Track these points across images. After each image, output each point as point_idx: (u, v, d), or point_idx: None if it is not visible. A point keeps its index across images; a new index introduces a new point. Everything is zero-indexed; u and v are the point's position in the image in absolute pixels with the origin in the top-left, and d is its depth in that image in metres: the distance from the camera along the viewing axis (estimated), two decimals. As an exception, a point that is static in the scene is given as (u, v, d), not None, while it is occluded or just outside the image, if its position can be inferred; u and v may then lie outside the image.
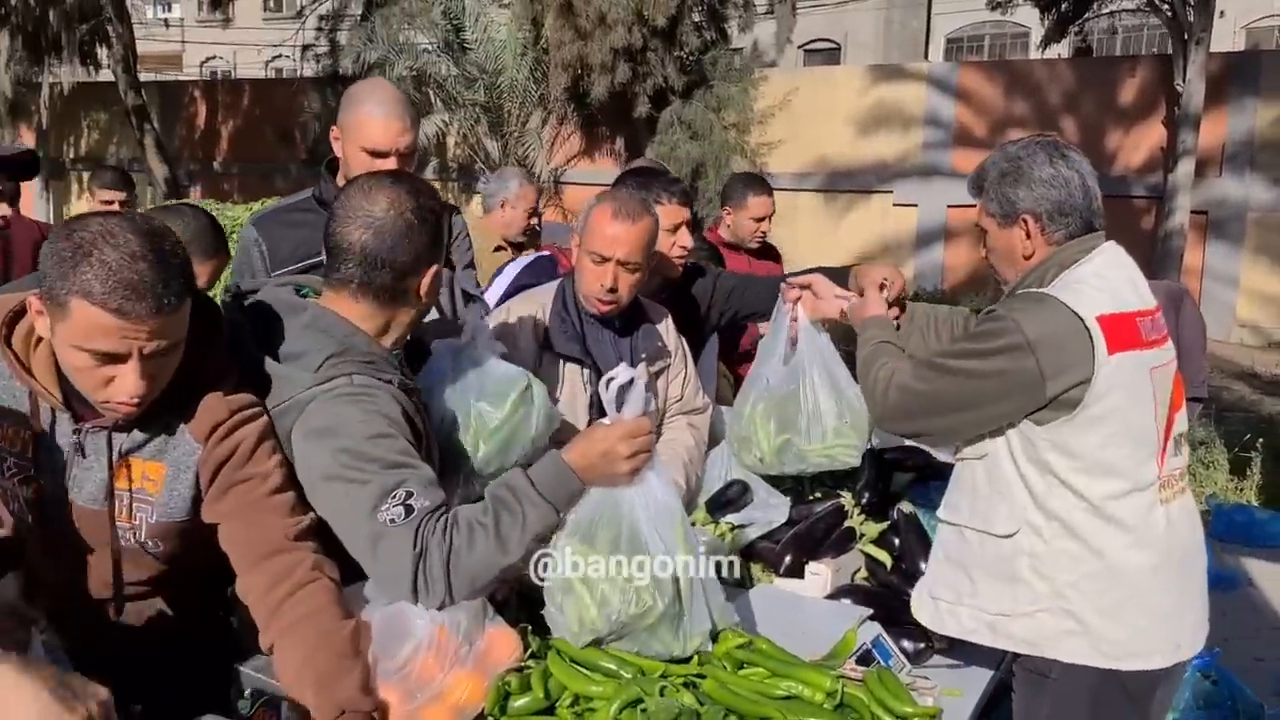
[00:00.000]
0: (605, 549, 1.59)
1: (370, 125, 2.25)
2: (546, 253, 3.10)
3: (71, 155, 19.17)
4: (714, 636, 1.71)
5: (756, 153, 14.44)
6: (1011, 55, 22.84)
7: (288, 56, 18.95)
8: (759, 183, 4.24)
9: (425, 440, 1.70)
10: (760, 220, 4.18)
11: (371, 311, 1.66)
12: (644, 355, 2.29)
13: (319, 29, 16.26)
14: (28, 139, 18.58)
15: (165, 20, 32.65)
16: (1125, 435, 1.87)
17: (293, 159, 16.44)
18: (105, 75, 17.43)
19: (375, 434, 1.54)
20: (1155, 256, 12.09)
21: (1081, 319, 1.81)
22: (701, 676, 1.53)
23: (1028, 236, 1.95)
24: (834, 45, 26.11)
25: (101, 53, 17.21)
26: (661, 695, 1.43)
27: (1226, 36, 20.25)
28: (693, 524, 2.30)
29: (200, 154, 18.26)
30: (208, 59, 33.68)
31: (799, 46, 26.72)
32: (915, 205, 14.02)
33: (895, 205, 14.13)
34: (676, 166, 13.49)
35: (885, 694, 1.51)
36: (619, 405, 1.68)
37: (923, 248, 14.07)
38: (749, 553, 2.26)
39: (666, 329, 2.40)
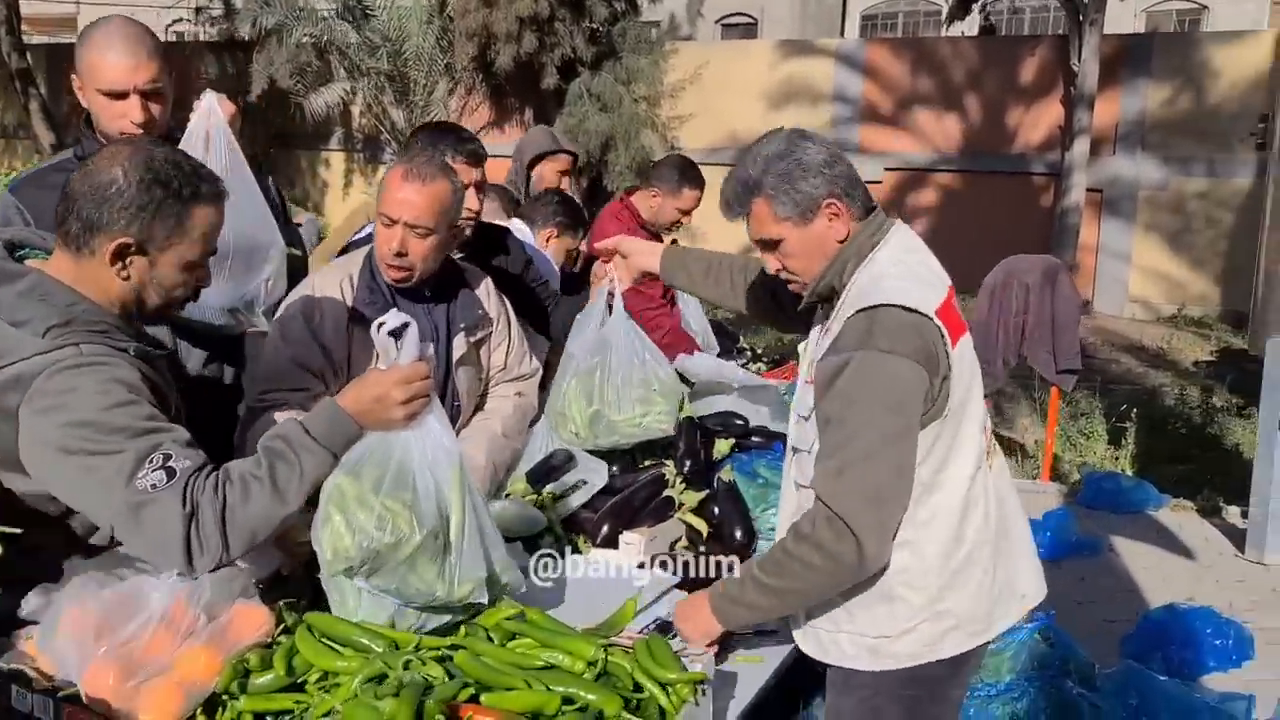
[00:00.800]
0: (370, 485, 1.55)
1: (101, 65, 2.08)
2: None
3: (-45, 121, 18.28)
4: (501, 592, 1.69)
5: (667, 126, 14.38)
6: (924, 33, 23.10)
7: (188, 20, 18.24)
8: (695, 176, 4.01)
9: (174, 405, 1.61)
10: (686, 213, 4.03)
11: (76, 270, 1.56)
12: (462, 326, 2.21)
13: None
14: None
15: (59, -19, 31.33)
16: (974, 420, 1.85)
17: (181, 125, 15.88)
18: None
19: (115, 403, 1.46)
20: (1053, 233, 12.37)
21: (929, 317, 1.75)
22: (458, 648, 1.48)
23: (836, 218, 1.83)
24: (750, 20, 26.13)
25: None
26: (406, 669, 1.37)
27: (1127, 19, 20.75)
28: (508, 495, 2.26)
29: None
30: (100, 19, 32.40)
31: (715, 21, 26.69)
32: (823, 181, 14.10)
33: (804, 181, 14.19)
34: (585, 139, 13.37)
35: (651, 662, 1.47)
36: (397, 351, 1.66)
37: (830, 223, 14.16)
38: (572, 523, 2.21)
39: (487, 294, 2.32)
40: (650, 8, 14.64)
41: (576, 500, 2.24)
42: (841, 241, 1.85)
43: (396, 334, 1.68)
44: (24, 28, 19.52)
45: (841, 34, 24.54)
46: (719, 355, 3.90)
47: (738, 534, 2.15)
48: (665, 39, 14.18)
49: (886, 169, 13.77)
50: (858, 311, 1.77)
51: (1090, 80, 11.97)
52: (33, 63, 17.82)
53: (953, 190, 13.57)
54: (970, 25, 16.77)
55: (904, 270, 1.82)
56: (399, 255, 2.09)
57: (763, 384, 3.14)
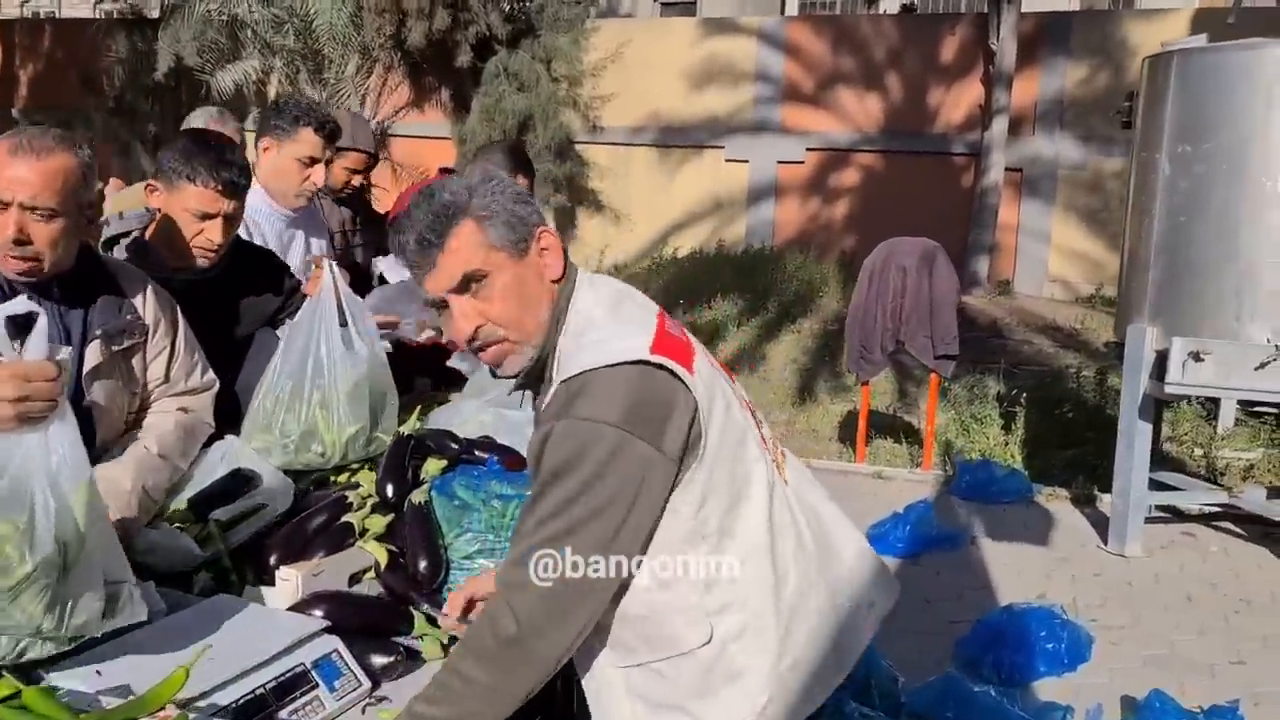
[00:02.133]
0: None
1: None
2: None
3: None
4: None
5: (589, 106, 14.09)
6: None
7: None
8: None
9: None
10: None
11: None
12: (99, 331, 1.97)
13: (117, -34, 15.17)
14: None
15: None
16: (746, 439, 1.60)
17: (99, 106, 15.36)
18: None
19: None
20: (972, 212, 12.28)
21: (645, 361, 1.48)
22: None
23: (547, 251, 1.57)
24: (690, 2, 25.83)
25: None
26: None
27: (1061, -2, 20.68)
28: (171, 522, 2.02)
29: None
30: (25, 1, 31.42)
31: (655, 0, 26.37)
32: (746, 161, 13.93)
33: (727, 161, 14.01)
34: (503, 119, 13.07)
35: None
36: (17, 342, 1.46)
37: (754, 204, 14.00)
38: (246, 554, 1.98)
39: (143, 298, 2.08)
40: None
41: (250, 528, 2.01)
42: (557, 281, 1.57)
43: (20, 324, 1.48)
44: None
45: (781, 14, 24.30)
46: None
47: (421, 565, 1.93)
48: (583, 16, 13.85)
49: (808, 149, 13.61)
50: (563, 381, 1.51)
51: (1008, 59, 11.86)
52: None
53: (874, 170, 13.43)
54: (893, 3, 16.63)
55: (607, 314, 1.56)
56: (19, 244, 1.82)
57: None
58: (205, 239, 2.26)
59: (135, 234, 2.36)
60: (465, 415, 2.50)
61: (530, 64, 13.23)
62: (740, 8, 24.03)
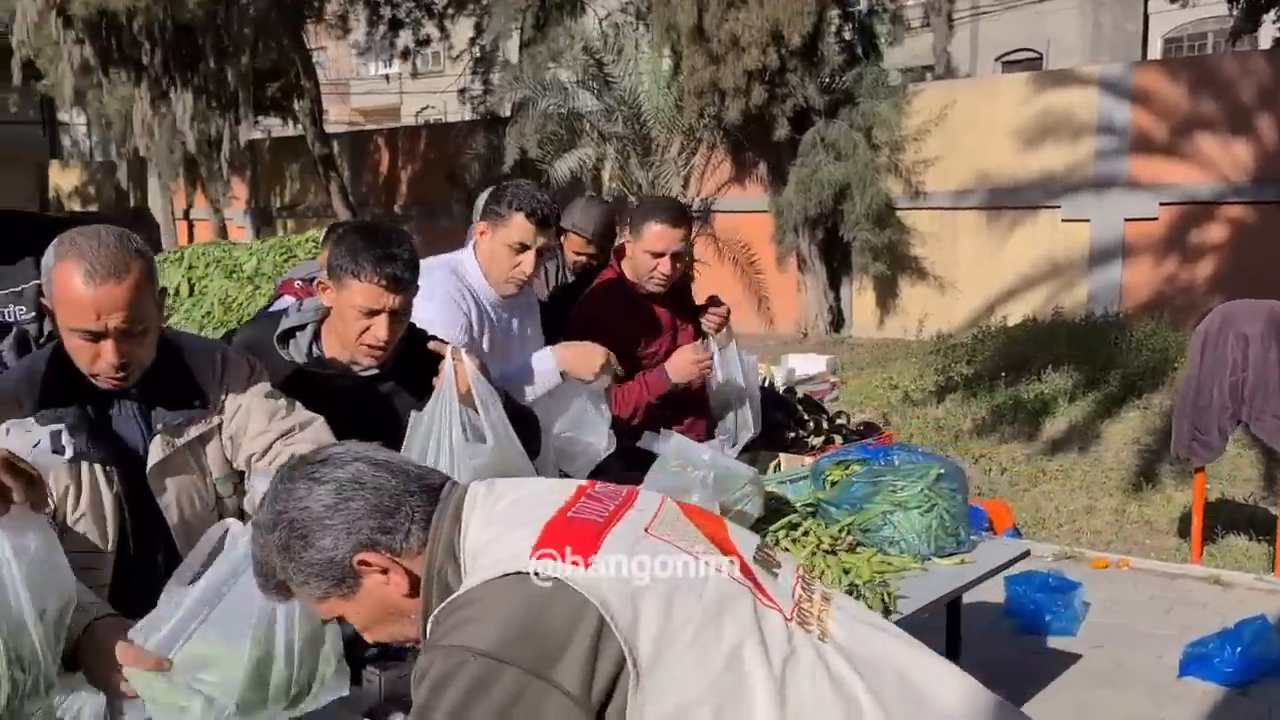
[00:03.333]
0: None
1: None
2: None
3: (277, 204, 20.78)
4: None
5: (911, 171, 13.64)
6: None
7: (477, 101, 19.69)
8: (667, 209, 3.24)
9: None
10: (659, 255, 3.18)
11: None
12: (159, 426, 1.90)
13: (474, 72, 16.88)
14: (240, 190, 20.34)
15: (386, 75, 35.34)
16: (710, 623, 1.28)
17: (458, 199, 17.06)
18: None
19: None
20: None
21: (523, 571, 1.26)
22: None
23: (385, 573, 1.37)
24: (1035, 55, 24.52)
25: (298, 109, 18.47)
26: None
27: None
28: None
29: (384, 199, 19.32)
30: (423, 108, 35.91)
31: (996, 59, 25.30)
32: (1087, 220, 12.77)
33: (1064, 221, 12.92)
34: (819, 189, 12.97)
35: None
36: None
37: (1097, 266, 12.77)
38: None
39: (214, 379, 1.99)
40: (921, 48, 14.03)
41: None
42: (410, 595, 1.38)
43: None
44: (356, 117, 21.74)
45: (1144, 60, 22.36)
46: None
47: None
48: (905, 81, 13.48)
49: (1162, 203, 12.22)
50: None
51: None
52: (338, 150, 19.99)
53: (1243, 224, 11.79)
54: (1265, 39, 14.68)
55: (497, 527, 1.35)
56: (121, 367, 1.78)
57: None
58: (372, 336, 2.21)
59: (311, 327, 2.35)
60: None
61: (848, 133, 13.05)
62: (1094, 59, 22.41)
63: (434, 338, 2.56)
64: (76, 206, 22.86)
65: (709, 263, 15.58)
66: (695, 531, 1.35)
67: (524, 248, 2.67)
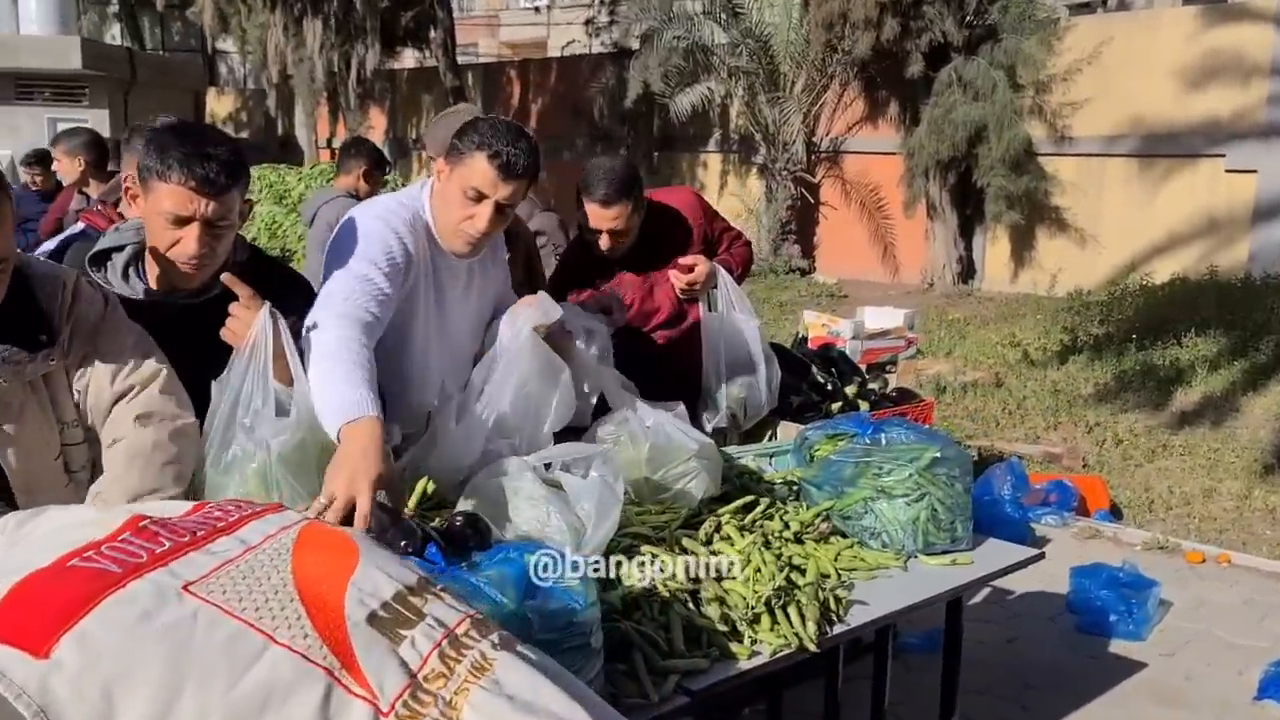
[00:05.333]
0: None
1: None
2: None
3: (413, 136, 21.06)
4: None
5: (1057, 114, 12.65)
6: None
7: (603, 32, 19.36)
8: (601, 186, 2.86)
9: None
10: (596, 231, 2.93)
11: None
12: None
13: (601, 2, 16.55)
14: (378, 121, 20.69)
15: (536, 8, 35.33)
16: None
17: (582, 133, 16.88)
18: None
19: None
20: None
21: None
22: None
23: None
24: (1219, -12, 22.34)
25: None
26: None
27: None
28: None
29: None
30: (569, 42, 35.77)
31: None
32: (1254, 171, 11.59)
33: (1228, 171, 11.76)
34: (952, 130, 12.17)
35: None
36: None
37: (1262, 223, 11.60)
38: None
39: (61, 312, 1.83)
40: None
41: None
42: None
43: None
44: (505, 50, 21.66)
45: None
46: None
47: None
48: (1057, 14, 12.44)
49: (1345, 156, 10.97)
50: None
51: None
52: (471, 82, 20.07)
53: None
54: None
55: None
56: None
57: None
58: (181, 250, 1.92)
59: (130, 249, 2.05)
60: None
61: (987, 71, 12.16)
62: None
63: (280, 266, 2.29)
64: (229, 133, 23.76)
65: (835, 206, 14.99)
66: (281, 583, 1.02)
67: (481, 196, 2.20)
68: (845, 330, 4.85)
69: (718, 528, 2.00)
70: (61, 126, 10.88)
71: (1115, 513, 5.54)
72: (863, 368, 4.12)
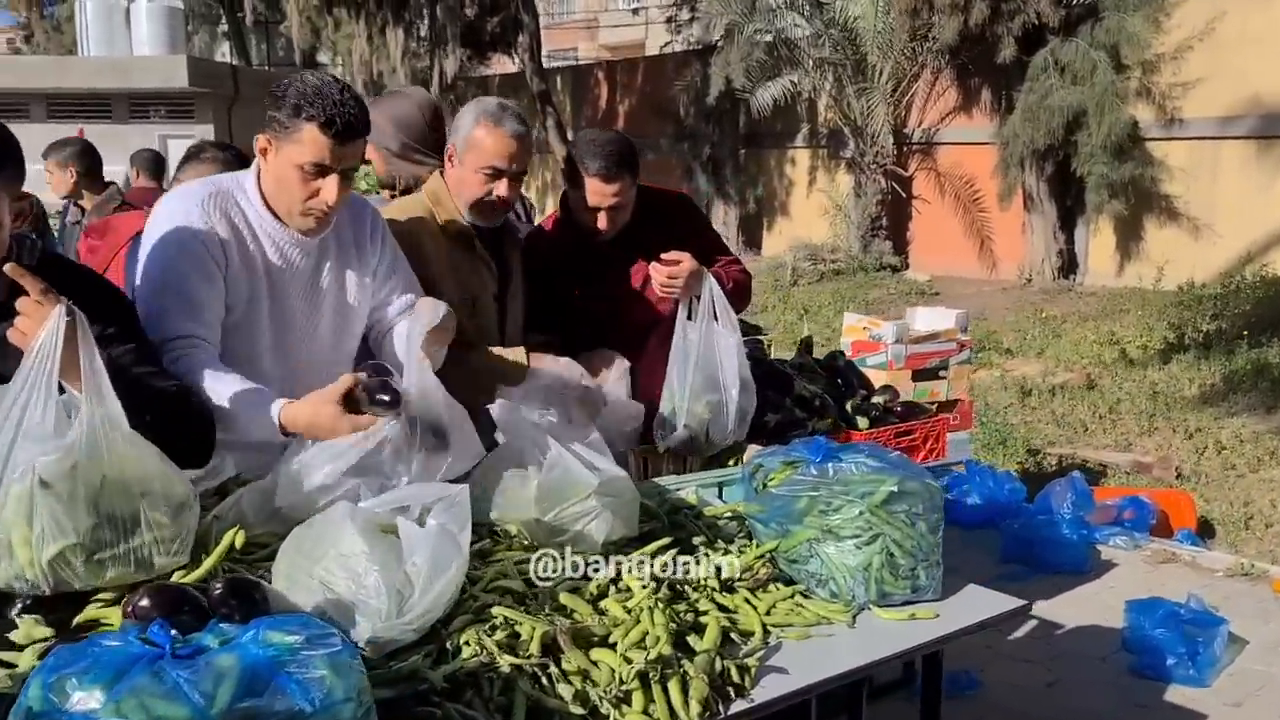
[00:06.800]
0: None
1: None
2: None
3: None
4: None
5: (1166, 95, 11.83)
6: None
7: (684, 29, 19.07)
8: (602, 156, 2.58)
9: None
10: (594, 210, 2.62)
11: None
12: None
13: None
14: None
15: (634, 10, 35.32)
16: None
17: (664, 133, 16.65)
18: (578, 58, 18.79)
19: None
20: None
21: None
22: None
23: None
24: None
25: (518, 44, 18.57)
26: None
27: None
28: None
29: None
30: (667, 43, 35.62)
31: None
32: (1391, 153, 10.62)
33: (1359, 154, 10.81)
34: (1047, 117, 11.49)
35: None
36: None
37: (1395, 212, 10.63)
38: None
39: None
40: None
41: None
42: None
43: None
44: (603, 53, 21.59)
45: None
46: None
47: None
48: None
49: None
50: None
51: None
52: (560, 85, 20.07)
53: None
54: None
55: None
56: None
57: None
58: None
59: None
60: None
61: (1087, 52, 11.44)
62: None
63: (82, 270, 2.03)
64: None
65: (928, 200, 14.36)
66: None
67: (322, 170, 1.97)
68: (887, 334, 4.47)
69: (616, 578, 1.73)
70: (173, 143, 11.24)
71: (1205, 532, 5.02)
72: (881, 378, 3.75)
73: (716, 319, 2.58)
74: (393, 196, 2.81)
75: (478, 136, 2.43)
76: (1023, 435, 6.73)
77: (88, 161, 4.74)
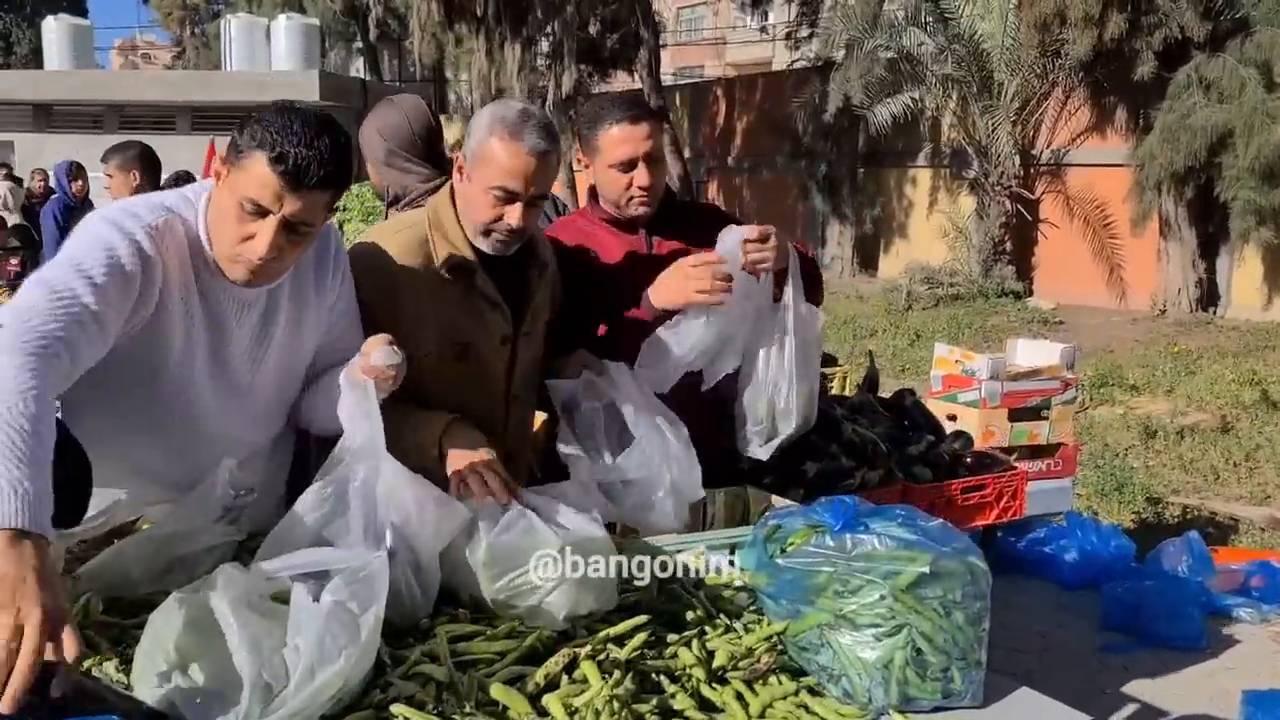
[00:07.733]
0: None
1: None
2: None
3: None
4: None
5: (1327, 114, 10.90)
6: None
7: (804, 45, 18.69)
8: (621, 103, 2.26)
9: None
10: (630, 166, 2.21)
11: None
12: None
13: (802, 14, 15.91)
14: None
15: (762, 28, 35.12)
16: None
17: (783, 151, 16.30)
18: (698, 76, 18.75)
19: None
20: None
21: None
22: None
23: None
24: None
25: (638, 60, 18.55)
26: None
27: None
28: None
29: (718, 151, 18.94)
30: (793, 61, 35.24)
31: None
32: None
33: None
34: (1189, 138, 10.71)
35: None
36: None
37: None
38: None
39: None
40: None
41: None
42: None
43: None
44: (729, 71, 21.42)
45: None
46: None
47: None
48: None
49: None
50: None
51: None
52: (679, 102, 19.96)
53: None
54: None
55: None
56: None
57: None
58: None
59: None
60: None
61: (1235, 69, 10.63)
62: None
63: None
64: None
65: (1055, 224, 13.60)
66: None
67: (261, 212, 1.62)
68: (981, 368, 4.09)
69: (572, 664, 1.46)
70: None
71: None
72: (955, 422, 3.38)
73: (801, 300, 2.25)
74: (389, 209, 2.60)
75: (490, 149, 1.95)
76: (1143, 481, 6.16)
77: (149, 165, 4.74)
